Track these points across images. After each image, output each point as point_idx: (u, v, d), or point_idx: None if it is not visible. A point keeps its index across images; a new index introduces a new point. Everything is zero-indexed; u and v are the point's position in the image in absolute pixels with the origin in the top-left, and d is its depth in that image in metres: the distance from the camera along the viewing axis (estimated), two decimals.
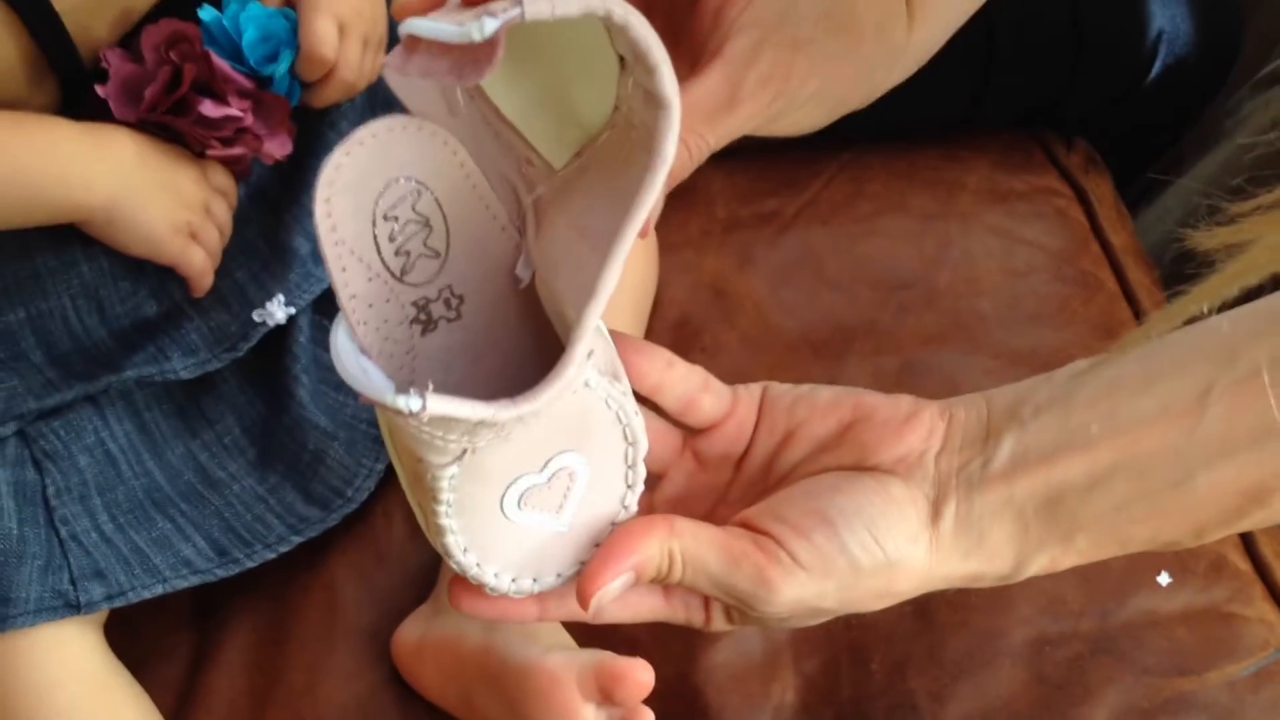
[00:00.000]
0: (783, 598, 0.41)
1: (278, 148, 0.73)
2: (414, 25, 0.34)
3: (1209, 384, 0.40)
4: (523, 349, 0.44)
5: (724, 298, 0.87)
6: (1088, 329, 0.85)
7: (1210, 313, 0.40)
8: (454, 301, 0.42)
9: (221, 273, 0.74)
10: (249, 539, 0.72)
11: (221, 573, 0.71)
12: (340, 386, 0.77)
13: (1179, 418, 0.41)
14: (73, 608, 0.67)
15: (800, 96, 0.43)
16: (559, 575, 0.43)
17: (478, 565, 0.42)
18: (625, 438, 0.42)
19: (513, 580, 0.42)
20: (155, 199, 0.70)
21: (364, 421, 0.76)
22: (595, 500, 0.43)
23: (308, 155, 0.77)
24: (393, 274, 0.41)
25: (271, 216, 0.77)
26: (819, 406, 0.45)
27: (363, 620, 0.75)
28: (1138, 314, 0.87)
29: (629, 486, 0.43)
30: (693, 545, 0.41)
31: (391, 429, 0.41)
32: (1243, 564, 0.75)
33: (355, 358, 0.38)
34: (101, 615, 0.70)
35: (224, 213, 0.74)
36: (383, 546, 0.77)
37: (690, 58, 0.43)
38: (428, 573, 0.75)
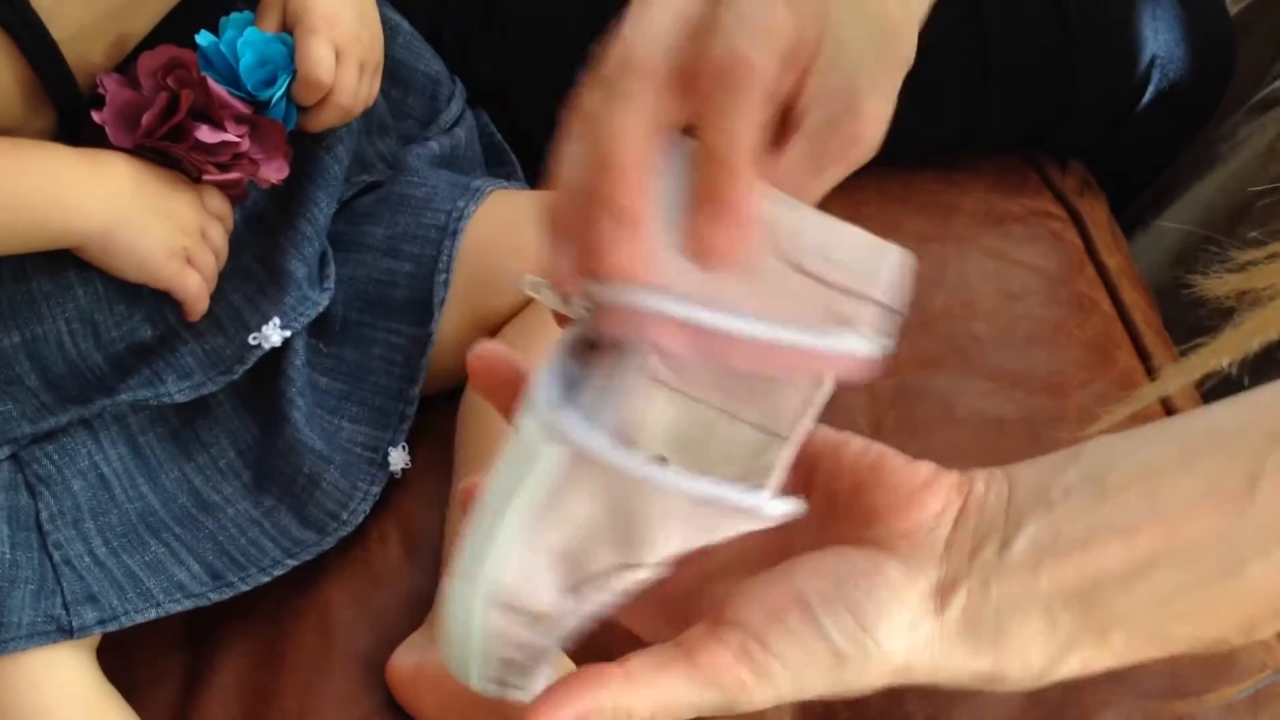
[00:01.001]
0: (760, 699, 0.38)
1: (274, 172, 0.73)
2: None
3: (1259, 463, 0.37)
4: None
5: None
6: (1083, 351, 0.85)
7: (1230, 367, 0.39)
8: None
9: (217, 296, 0.74)
10: (243, 562, 0.72)
11: (215, 596, 0.71)
12: (335, 410, 0.77)
13: (1227, 501, 0.37)
14: (65, 632, 0.67)
15: None
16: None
17: None
18: None
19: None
20: (151, 224, 0.70)
21: (359, 445, 0.76)
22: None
23: (303, 179, 0.77)
24: None
25: (267, 240, 0.77)
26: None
27: (358, 644, 0.74)
28: (1133, 336, 0.87)
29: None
30: (652, 695, 0.37)
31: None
32: None
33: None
34: (94, 640, 0.70)
35: (220, 237, 0.74)
36: (378, 570, 0.77)
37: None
38: (424, 597, 0.75)
